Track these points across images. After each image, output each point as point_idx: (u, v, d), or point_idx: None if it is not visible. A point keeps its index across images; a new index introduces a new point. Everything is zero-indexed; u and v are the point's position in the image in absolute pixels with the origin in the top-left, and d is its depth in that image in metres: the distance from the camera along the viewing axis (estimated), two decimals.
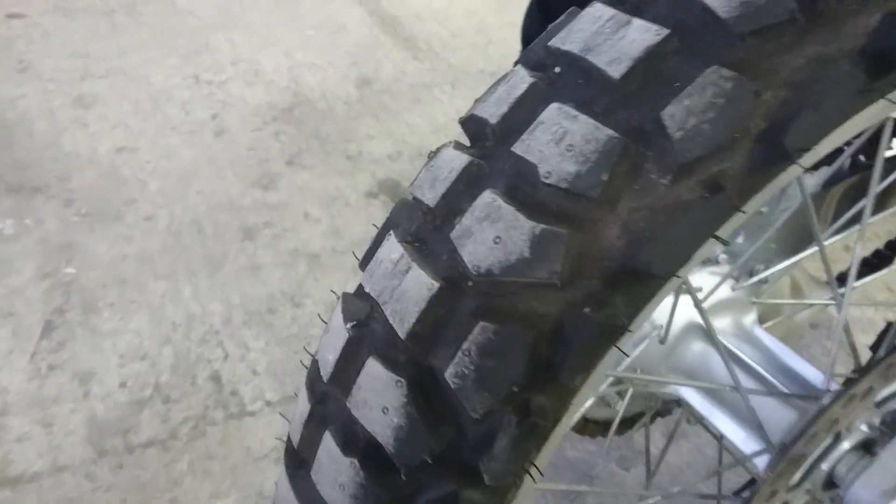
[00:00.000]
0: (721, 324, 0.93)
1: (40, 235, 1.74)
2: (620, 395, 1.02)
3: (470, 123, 0.49)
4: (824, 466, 0.71)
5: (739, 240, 0.99)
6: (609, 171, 0.41)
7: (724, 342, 0.89)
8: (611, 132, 0.41)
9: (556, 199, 0.42)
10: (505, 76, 0.49)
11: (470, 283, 0.43)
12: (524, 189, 0.43)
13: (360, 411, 0.45)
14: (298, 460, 0.52)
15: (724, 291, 0.93)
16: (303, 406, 0.51)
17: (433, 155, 0.50)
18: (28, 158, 1.96)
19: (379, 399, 0.44)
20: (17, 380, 1.43)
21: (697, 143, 0.40)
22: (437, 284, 0.42)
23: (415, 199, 0.48)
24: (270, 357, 1.52)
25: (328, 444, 0.47)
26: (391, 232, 0.48)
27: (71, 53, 2.41)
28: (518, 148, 0.43)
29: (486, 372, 0.41)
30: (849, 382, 0.65)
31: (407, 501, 0.45)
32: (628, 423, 1.14)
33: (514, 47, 2.70)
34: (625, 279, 0.42)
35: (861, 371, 0.64)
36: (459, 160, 0.46)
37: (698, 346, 0.92)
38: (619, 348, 0.45)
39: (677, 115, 0.40)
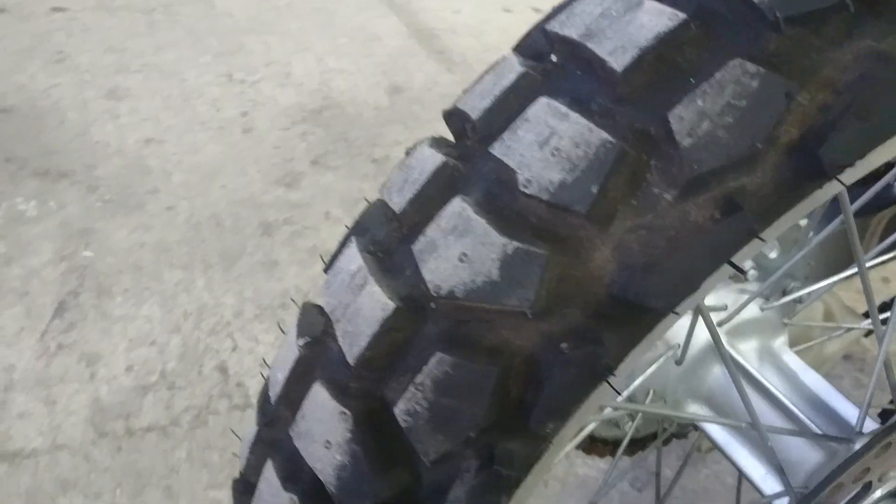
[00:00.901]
0: (746, 346, 0.85)
1: (62, 219, 1.74)
2: (631, 416, 0.94)
3: (453, 118, 0.42)
4: None
5: (773, 254, 0.90)
6: (601, 181, 0.34)
7: (748, 368, 0.81)
8: (605, 135, 0.34)
9: (537, 212, 0.35)
10: (494, 63, 0.42)
11: (433, 306, 0.37)
12: (501, 198, 0.36)
13: (302, 442, 0.39)
14: (245, 485, 0.46)
15: (752, 310, 0.84)
16: (251, 426, 0.46)
17: (409, 152, 0.43)
18: (57, 145, 1.98)
19: (323, 431, 0.38)
20: (25, 357, 1.42)
21: (710, 152, 0.33)
22: (392, 305, 0.36)
23: (381, 202, 0.41)
24: None
25: (269, 475, 0.41)
26: (353, 238, 0.41)
27: (108, 48, 2.44)
28: (497, 149, 0.36)
29: (440, 411, 0.35)
30: (888, 429, 0.57)
31: None
32: (640, 443, 1.07)
33: None
34: (614, 312, 0.35)
35: None
36: (433, 161, 0.39)
37: (719, 370, 0.84)
38: (610, 384, 0.38)
39: (687, 117, 0.33)
